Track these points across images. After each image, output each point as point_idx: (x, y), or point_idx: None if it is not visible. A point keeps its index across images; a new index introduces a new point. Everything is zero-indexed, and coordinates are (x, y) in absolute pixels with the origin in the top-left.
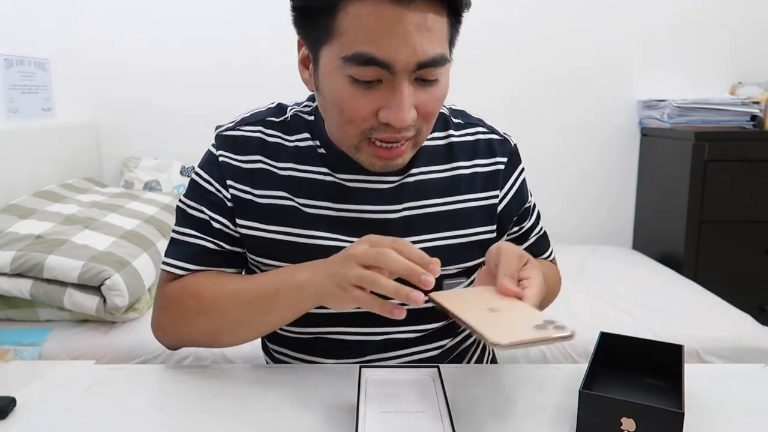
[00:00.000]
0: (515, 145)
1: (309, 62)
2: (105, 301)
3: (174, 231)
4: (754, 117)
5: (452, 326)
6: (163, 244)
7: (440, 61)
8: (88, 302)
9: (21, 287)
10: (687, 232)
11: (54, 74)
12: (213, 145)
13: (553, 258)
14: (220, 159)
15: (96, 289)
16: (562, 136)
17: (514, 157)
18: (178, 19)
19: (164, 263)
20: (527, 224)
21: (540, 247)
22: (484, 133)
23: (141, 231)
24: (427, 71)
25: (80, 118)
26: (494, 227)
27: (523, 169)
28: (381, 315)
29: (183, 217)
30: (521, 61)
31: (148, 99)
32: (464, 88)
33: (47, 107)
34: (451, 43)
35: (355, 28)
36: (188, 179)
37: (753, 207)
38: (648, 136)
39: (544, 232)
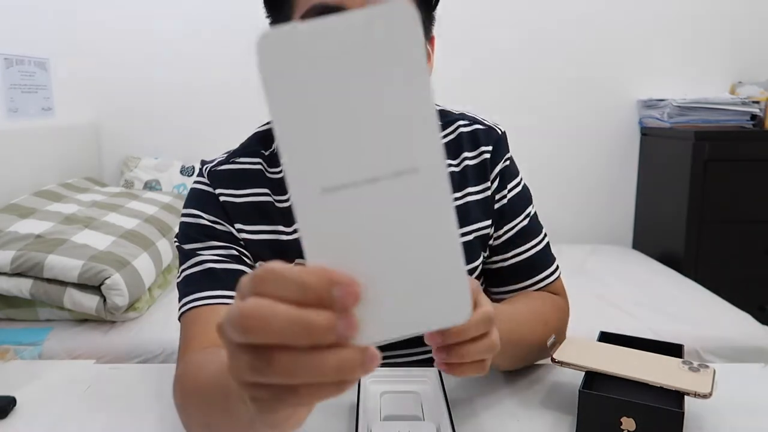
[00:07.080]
0: (503, 132)
1: None
2: (105, 300)
3: (178, 275)
4: (754, 116)
5: None
6: (163, 244)
7: None
8: (88, 302)
9: (21, 287)
10: (687, 232)
11: (54, 74)
12: (204, 183)
13: (556, 280)
14: (221, 198)
15: (96, 288)
16: (562, 136)
17: (499, 145)
18: (178, 18)
19: (182, 307)
20: (518, 224)
21: (538, 264)
22: (465, 125)
23: (141, 230)
24: None
25: (80, 118)
26: (490, 221)
27: (509, 158)
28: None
29: (185, 256)
30: (521, 61)
31: (148, 98)
32: (464, 88)
33: (47, 107)
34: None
35: None
36: (185, 198)
37: (753, 207)
38: (648, 135)
39: (547, 244)
